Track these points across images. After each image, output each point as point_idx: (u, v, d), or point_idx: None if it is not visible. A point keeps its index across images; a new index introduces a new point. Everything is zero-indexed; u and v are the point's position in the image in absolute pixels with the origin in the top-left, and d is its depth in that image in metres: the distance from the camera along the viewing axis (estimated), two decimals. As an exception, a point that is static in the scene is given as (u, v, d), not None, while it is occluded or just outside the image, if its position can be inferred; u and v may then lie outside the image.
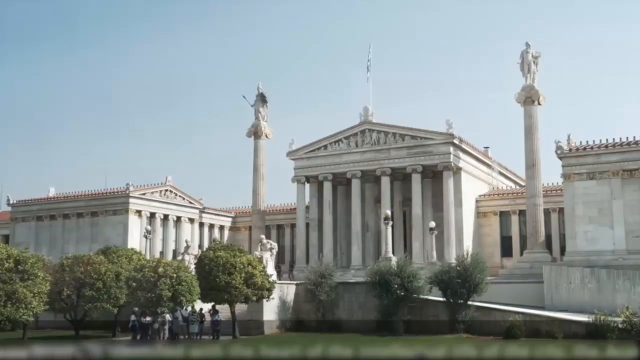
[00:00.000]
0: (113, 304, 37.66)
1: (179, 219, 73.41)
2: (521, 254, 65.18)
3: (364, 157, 68.52)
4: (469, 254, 47.94)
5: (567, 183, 52.83)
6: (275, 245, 52.78)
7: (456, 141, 65.57)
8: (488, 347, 31.72)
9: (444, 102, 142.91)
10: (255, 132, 74.66)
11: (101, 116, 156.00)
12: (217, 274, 44.09)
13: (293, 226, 77.34)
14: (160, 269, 39.36)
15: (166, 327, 44.95)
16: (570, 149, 53.00)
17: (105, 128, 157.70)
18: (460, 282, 46.02)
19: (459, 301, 46.15)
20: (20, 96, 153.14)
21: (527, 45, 63.92)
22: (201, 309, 46.83)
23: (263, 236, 55.54)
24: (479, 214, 69.94)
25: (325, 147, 70.68)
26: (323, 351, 28.39)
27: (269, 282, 46.49)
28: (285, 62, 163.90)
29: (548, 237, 64.51)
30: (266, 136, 75.00)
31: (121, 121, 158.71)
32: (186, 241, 57.55)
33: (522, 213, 67.82)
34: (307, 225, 71.70)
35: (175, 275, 39.67)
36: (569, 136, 54.49)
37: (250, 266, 45.39)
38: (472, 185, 69.47)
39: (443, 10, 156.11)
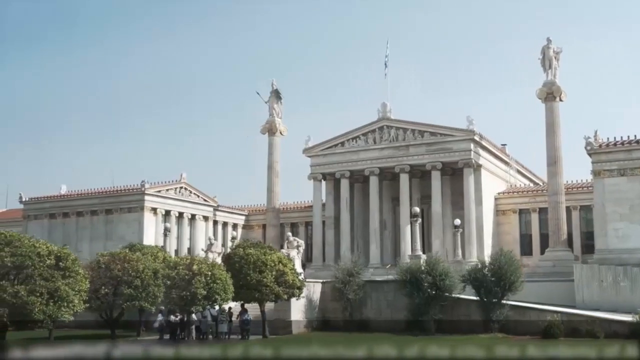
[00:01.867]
0: (151, 303, 36.66)
1: (193, 216, 72.33)
2: (541, 253, 64.51)
3: (382, 154, 67.64)
4: (503, 252, 47.04)
5: (597, 180, 51.96)
6: (302, 242, 51.93)
7: (477, 138, 64.79)
8: (550, 346, 30.82)
9: (459, 98, 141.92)
10: (270, 129, 73.71)
11: (109, 114, 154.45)
12: (248, 272, 43.14)
13: (307, 224, 76.47)
14: (195, 267, 38.32)
15: (193, 326, 44.08)
16: (600, 145, 52.16)
17: (113, 126, 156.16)
18: (494, 280, 45.14)
19: (493, 300, 45.25)
20: (22, 95, 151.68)
21: (548, 40, 63.27)
22: (230, 308, 45.88)
23: (289, 233, 54.69)
24: (498, 212, 69.22)
25: (343, 144, 69.72)
26: (368, 351, 27.55)
27: (299, 280, 45.54)
28: (300, 59, 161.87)
29: (569, 235, 63.73)
30: (281, 133, 74.06)
31: (130, 119, 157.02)
32: (209, 239, 56.54)
33: (542, 211, 67.19)
34: (323, 223, 70.75)
35: (209, 273, 38.65)
36: (596, 132, 53.61)
37: (280, 264, 44.47)
38: (491, 183, 68.72)
39: (460, 6, 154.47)
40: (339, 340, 38.60)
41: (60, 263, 30.58)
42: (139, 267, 35.49)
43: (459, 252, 58.47)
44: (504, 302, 45.19)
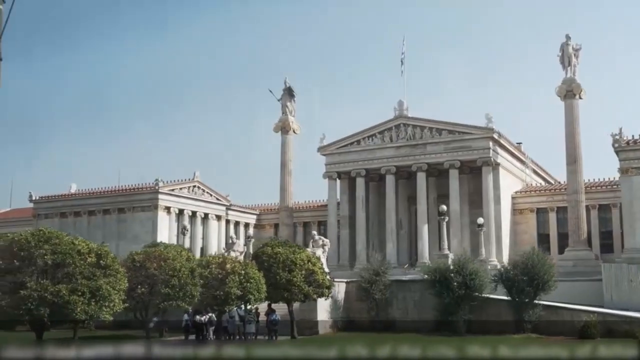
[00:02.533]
0: (188, 302, 35.64)
1: (206, 215, 71.36)
2: (559, 252, 63.85)
3: (399, 153, 66.81)
4: (535, 251, 46.31)
5: (625, 177, 51.37)
6: (327, 241, 51.00)
7: (495, 136, 64.04)
8: (602, 346, 29.93)
9: (473, 96, 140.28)
10: (283, 127, 72.77)
11: (117, 112, 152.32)
12: (277, 271, 42.23)
13: (320, 223, 75.58)
14: (228, 266, 37.34)
15: (212, 327, 43.09)
16: (627, 142, 51.48)
17: (121, 125, 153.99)
18: (526, 280, 44.33)
19: (525, 300, 44.46)
20: (26, 94, 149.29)
21: (568, 37, 62.72)
22: (257, 308, 44.89)
23: (315, 232, 53.85)
24: (515, 211, 68.49)
25: (358, 142, 68.88)
26: (422, 351, 26.70)
27: (328, 279, 44.64)
28: (314, 56, 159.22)
29: (588, 235, 63.04)
30: (294, 131, 73.14)
31: (139, 118, 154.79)
32: (231, 237, 55.56)
33: (560, 210, 66.58)
34: (338, 222, 69.88)
35: (243, 272, 37.67)
36: (620, 130, 53.09)
37: (310, 263, 43.57)
38: (508, 182, 68.00)
39: (477, 1, 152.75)
40: (375, 340, 37.71)
41: (101, 261, 29.58)
42: (176, 265, 34.48)
43: (482, 251, 57.55)
44: (536, 302, 44.43)
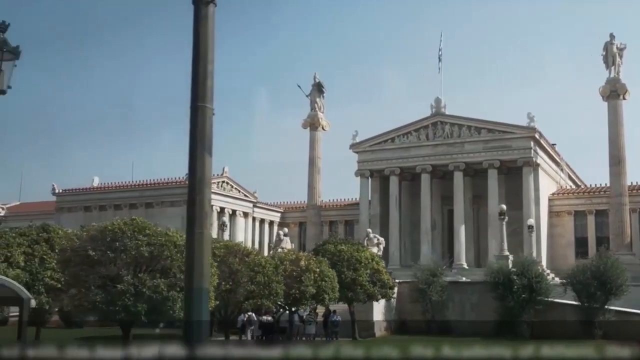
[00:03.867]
0: (273, 301, 33.51)
1: (234, 212, 69.13)
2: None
3: (436, 151, 65.03)
4: (606, 253, 44.72)
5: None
6: (382, 240, 49.15)
7: (537, 136, 62.48)
8: None
9: (507, 95, 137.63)
10: (312, 124, 70.68)
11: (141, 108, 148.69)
12: (342, 270, 40.22)
13: (347, 222, 73.77)
14: (303, 263, 35.24)
15: (253, 327, 41.05)
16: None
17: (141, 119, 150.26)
18: (597, 284, 42.71)
19: (594, 305, 42.83)
20: (42, 92, 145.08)
21: (612, 36, 61.45)
22: (315, 309, 42.86)
23: (369, 230, 51.85)
24: (551, 214, 66.90)
25: (393, 139, 67.05)
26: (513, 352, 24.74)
27: (391, 279, 42.77)
28: (343, 52, 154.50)
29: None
30: (323, 128, 71.10)
31: (156, 113, 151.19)
32: (279, 234, 53.24)
33: (598, 213, 65.17)
34: (368, 222, 67.95)
35: (318, 270, 35.63)
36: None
37: (374, 262, 41.66)
38: (546, 183, 66.49)
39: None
40: (446, 343, 35.74)
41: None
42: (261, 260, 32.36)
43: (534, 253, 55.78)
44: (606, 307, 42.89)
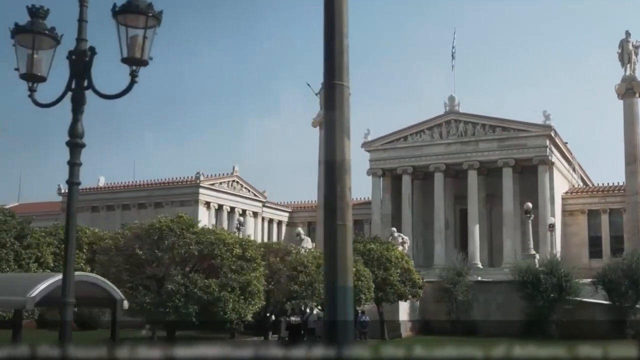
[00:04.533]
0: (316, 301, 32.52)
1: (244, 212, 68.04)
2: (612, 256, 61.84)
3: (449, 150, 64.25)
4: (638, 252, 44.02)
5: None
6: (407, 239, 48.23)
7: (552, 134, 61.83)
8: None
9: (518, 92, 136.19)
10: (321, 123, 69.58)
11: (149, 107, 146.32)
12: (372, 269, 39.29)
13: (357, 222, 72.50)
14: (338, 262, 34.09)
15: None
16: None
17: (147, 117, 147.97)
18: (628, 282, 41.98)
19: (626, 304, 42.09)
20: None
21: (627, 34, 60.82)
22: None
23: (394, 229, 50.88)
24: (565, 212, 66.25)
25: (405, 138, 66.24)
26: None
27: (422, 279, 41.89)
28: (354, 51, 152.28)
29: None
30: (332, 126, 69.95)
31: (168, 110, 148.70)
32: (299, 233, 52.34)
33: (612, 212, 64.63)
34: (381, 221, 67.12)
35: (354, 269, 34.59)
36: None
37: (404, 261, 40.76)
38: (559, 182, 65.88)
39: None
40: (482, 343, 34.88)
41: (247, 253, 26.41)
42: (303, 259, 31.35)
43: (555, 251, 55.00)
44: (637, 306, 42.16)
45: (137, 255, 24.54)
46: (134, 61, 9.19)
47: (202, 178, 62.57)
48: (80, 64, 9.50)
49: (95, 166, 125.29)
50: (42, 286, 12.46)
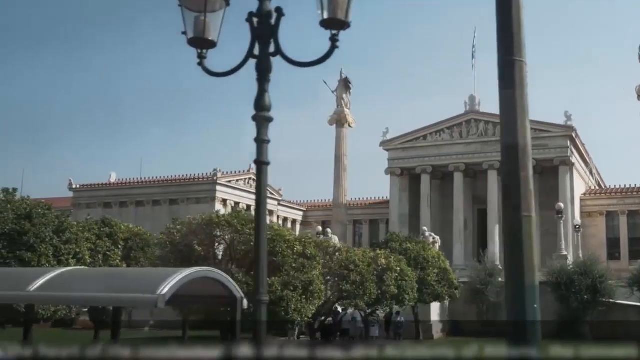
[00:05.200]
0: (367, 302, 31.55)
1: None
2: (630, 258, 61.54)
3: (469, 149, 63.54)
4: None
5: None
6: (438, 238, 47.33)
7: (573, 135, 61.17)
8: None
9: (537, 92, 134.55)
10: (339, 120, 68.64)
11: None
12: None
13: (372, 222, 71.96)
14: (383, 260, 33.26)
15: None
16: None
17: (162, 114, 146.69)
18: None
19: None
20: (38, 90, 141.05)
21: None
22: (376, 310, 40.92)
23: (425, 228, 50.12)
24: (583, 214, 65.56)
25: (425, 137, 65.52)
26: None
27: (457, 279, 41.08)
28: (372, 49, 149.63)
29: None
30: (349, 125, 69.12)
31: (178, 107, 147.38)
32: (325, 232, 51.35)
33: (631, 214, 64.06)
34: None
35: (398, 269, 33.74)
36: None
37: (441, 260, 39.90)
38: (578, 183, 65.24)
39: None
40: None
41: (307, 251, 25.44)
42: (354, 258, 30.35)
43: (580, 253, 54.28)
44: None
45: (196, 251, 23.54)
46: (335, 23, 8.25)
47: (219, 174, 61.49)
48: (265, 27, 8.56)
49: (103, 162, 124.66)
50: (171, 282, 11.43)
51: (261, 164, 8.56)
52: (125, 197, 64.65)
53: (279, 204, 70.85)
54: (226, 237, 24.17)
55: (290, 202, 74.54)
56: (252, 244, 24.39)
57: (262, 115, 8.54)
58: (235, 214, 26.05)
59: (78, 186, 66.60)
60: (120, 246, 32.90)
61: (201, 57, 8.85)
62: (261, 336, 8.34)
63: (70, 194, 66.59)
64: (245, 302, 13.19)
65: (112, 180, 67.44)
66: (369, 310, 39.45)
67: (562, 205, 52.33)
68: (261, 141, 8.54)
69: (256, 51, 8.62)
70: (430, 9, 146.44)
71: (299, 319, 24.98)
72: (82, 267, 24.16)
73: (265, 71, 8.57)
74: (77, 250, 31.01)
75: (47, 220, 27.37)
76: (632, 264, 58.91)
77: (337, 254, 30.36)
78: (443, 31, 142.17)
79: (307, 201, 78.33)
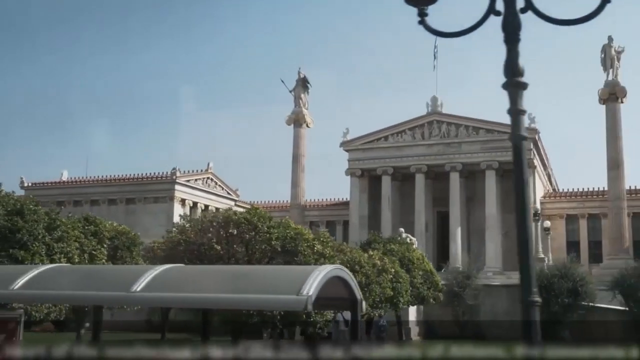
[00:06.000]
0: (370, 304, 30.21)
1: (217, 210, 64.95)
2: (590, 261, 62.03)
3: (431, 151, 62.92)
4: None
5: None
6: (415, 240, 46.47)
7: (537, 137, 61.22)
8: None
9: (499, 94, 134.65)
10: (296, 120, 67.70)
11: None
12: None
13: (329, 223, 70.73)
14: (378, 262, 32.07)
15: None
16: None
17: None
18: (646, 287, 41.42)
19: (643, 309, 41.52)
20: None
21: (610, 39, 60.84)
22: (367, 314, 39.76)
23: (402, 229, 49.04)
24: (543, 217, 65.63)
25: (386, 138, 64.58)
26: None
27: (441, 281, 40.26)
28: (332, 48, 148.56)
29: (625, 243, 61.23)
30: (307, 125, 68.15)
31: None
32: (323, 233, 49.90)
33: (591, 217, 64.53)
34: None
35: (393, 270, 32.64)
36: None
37: (425, 262, 39.02)
38: (538, 186, 65.40)
39: None
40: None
41: (326, 250, 24.08)
42: (359, 259, 28.99)
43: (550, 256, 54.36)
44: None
45: (215, 250, 21.92)
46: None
47: (178, 174, 59.48)
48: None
49: (54, 160, 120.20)
50: (313, 282, 9.89)
51: (520, 138, 7.30)
52: (79, 195, 61.80)
53: (235, 205, 68.91)
54: (245, 235, 22.61)
55: (246, 203, 72.64)
56: (272, 242, 22.96)
57: (517, 82, 7.25)
58: (253, 211, 24.47)
59: (30, 184, 63.54)
60: (105, 245, 31.19)
61: (422, 14, 7.58)
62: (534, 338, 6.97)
63: (22, 192, 63.35)
64: (364, 304, 11.86)
65: (64, 178, 64.57)
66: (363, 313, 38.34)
67: (538, 207, 52.14)
68: (517, 112, 7.24)
69: (499, 6, 7.34)
70: (391, 9, 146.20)
71: (320, 321, 23.61)
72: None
73: (515, 29, 7.30)
74: (68, 249, 29.11)
75: (38, 216, 25.38)
76: (593, 267, 59.55)
77: (340, 254, 29.02)
78: (404, 32, 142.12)
79: (264, 202, 76.50)
